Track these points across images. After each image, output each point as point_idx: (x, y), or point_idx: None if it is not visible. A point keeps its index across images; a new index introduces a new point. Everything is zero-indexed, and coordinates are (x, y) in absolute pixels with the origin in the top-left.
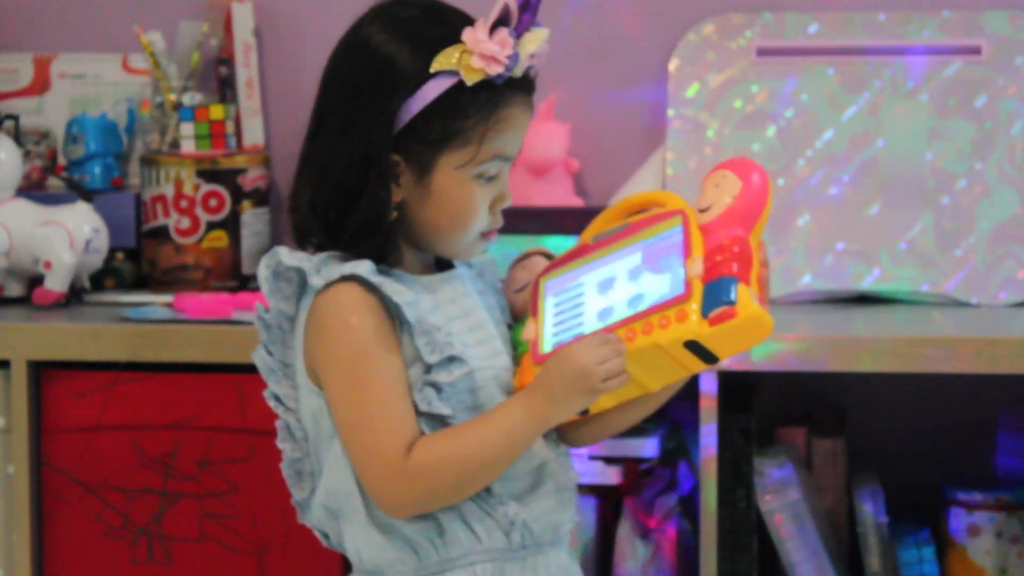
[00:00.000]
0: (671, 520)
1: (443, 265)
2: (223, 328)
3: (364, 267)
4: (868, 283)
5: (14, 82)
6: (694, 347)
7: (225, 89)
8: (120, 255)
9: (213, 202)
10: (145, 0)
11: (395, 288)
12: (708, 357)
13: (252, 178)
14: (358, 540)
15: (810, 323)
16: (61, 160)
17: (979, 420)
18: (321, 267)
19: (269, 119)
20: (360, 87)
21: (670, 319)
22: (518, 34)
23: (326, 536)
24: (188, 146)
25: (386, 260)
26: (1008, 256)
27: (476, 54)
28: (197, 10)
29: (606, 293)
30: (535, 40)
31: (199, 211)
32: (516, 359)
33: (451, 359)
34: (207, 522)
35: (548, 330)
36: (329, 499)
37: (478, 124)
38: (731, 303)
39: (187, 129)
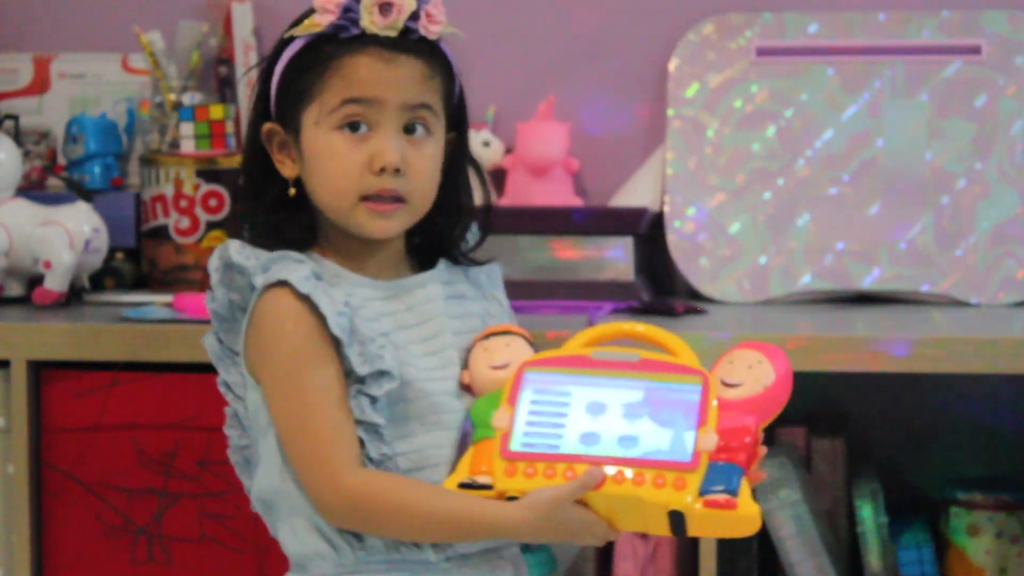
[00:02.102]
0: None
1: (425, 267)
2: None
3: (299, 273)
4: (868, 283)
5: (14, 82)
6: (675, 517)
7: (225, 89)
8: (120, 255)
9: (213, 202)
10: (145, 0)
11: (326, 297)
12: (680, 530)
13: None
14: (284, 532)
15: (810, 323)
16: (61, 160)
17: (979, 420)
18: (269, 266)
19: None
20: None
21: (667, 482)
22: None
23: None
24: (188, 146)
25: (303, 242)
26: (1008, 256)
27: (318, 11)
28: (197, 10)
29: (595, 417)
30: None
31: (199, 211)
32: (474, 439)
33: (381, 373)
34: (207, 522)
35: (520, 427)
36: (261, 491)
37: (322, 74)
38: (733, 494)
39: (187, 129)
